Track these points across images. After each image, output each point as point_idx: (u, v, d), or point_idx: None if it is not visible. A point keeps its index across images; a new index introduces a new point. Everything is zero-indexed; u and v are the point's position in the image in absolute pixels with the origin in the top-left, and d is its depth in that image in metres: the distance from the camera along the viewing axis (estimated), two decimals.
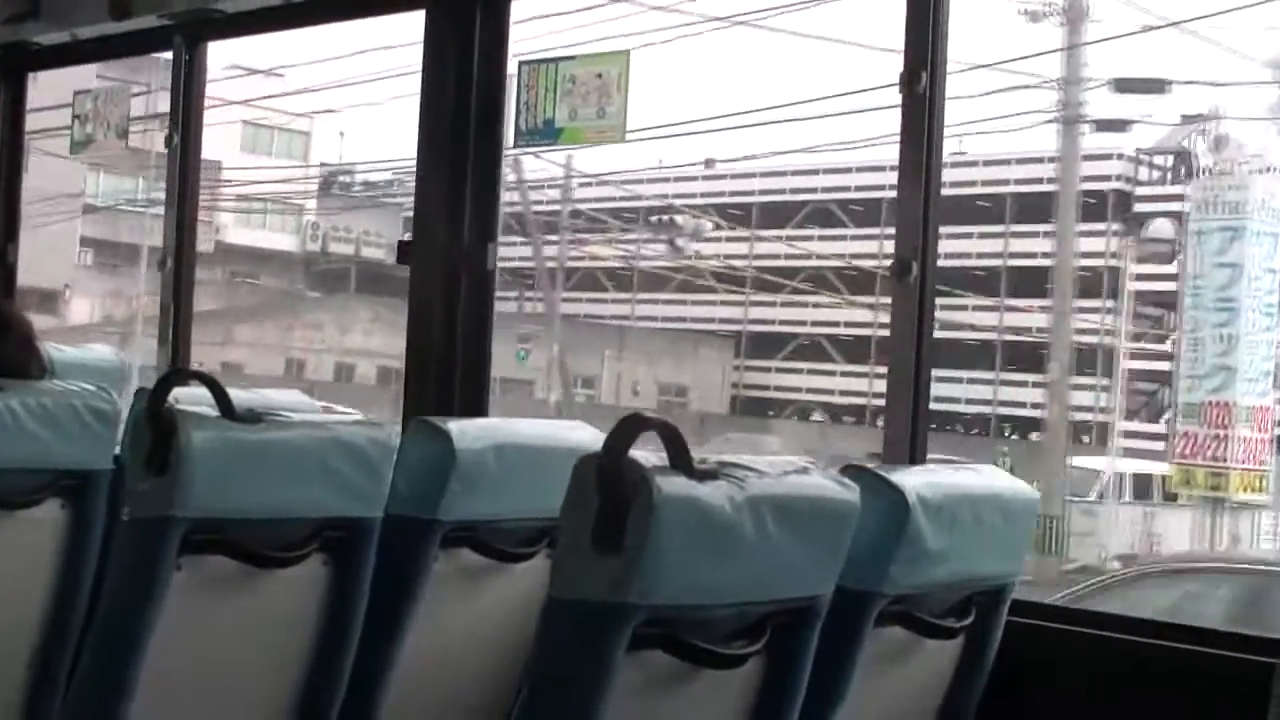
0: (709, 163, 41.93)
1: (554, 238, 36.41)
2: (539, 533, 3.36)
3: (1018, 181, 38.97)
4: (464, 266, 4.32)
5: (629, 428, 2.34)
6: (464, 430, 3.35)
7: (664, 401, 38.22)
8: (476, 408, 4.27)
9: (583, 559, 2.31)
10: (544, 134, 4.29)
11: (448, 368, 4.30)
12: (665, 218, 37.04)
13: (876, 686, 2.84)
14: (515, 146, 4.45)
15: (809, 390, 42.58)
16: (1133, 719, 3.14)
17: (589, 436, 3.42)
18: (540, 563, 3.36)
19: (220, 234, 44.90)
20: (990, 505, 2.96)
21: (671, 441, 2.37)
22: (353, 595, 3.18)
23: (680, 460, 2.36)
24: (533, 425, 3.68)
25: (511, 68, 4.37)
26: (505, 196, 4.21)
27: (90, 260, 43.02)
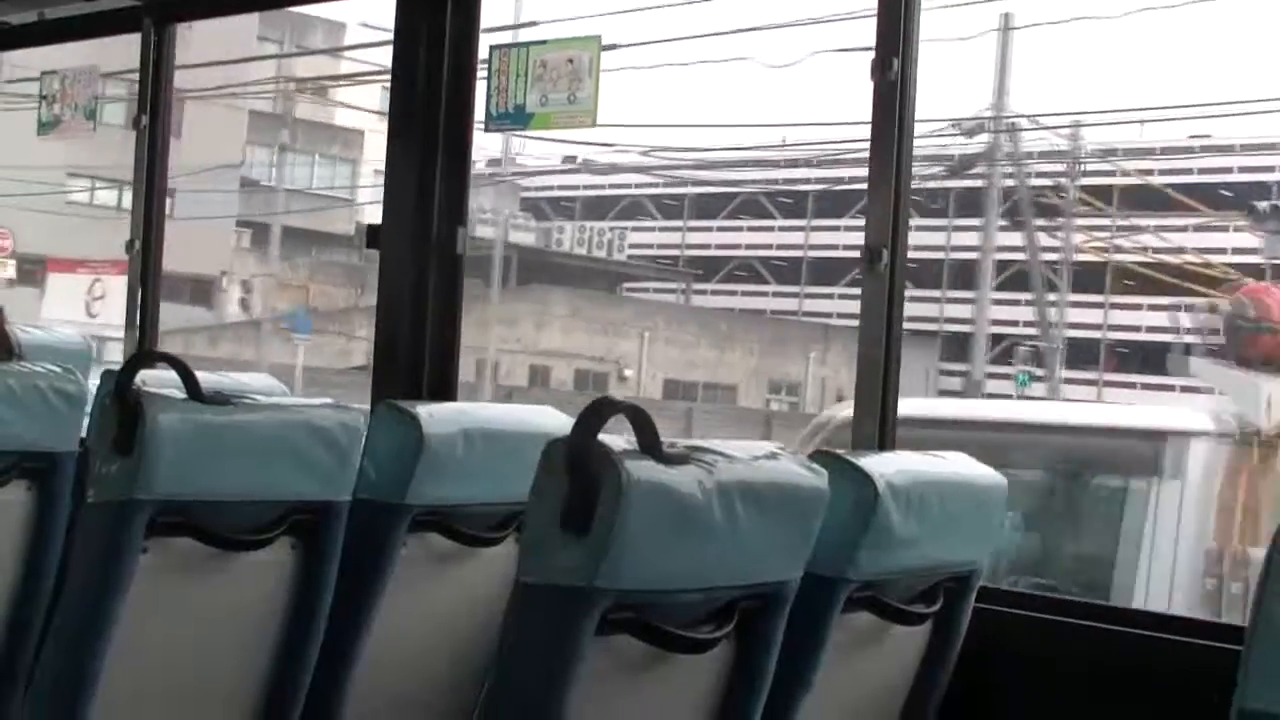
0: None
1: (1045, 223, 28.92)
2: (507, 517, 3.36)
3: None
4: (433, 251, 4.31)
5: (598, 411, 2.33)
6: (432, 414, 3.34)
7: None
8: (444, 392, 4.26)
9: (551, 543, 2.31)
10: (515, 119, 4.28)
11: (416, 352, 4.28)
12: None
13: (844, 672, 2.84)
14: (486, 131, 4.44)
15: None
16: (1098, 705, 3.15)
17: (557, 422, 3.42)
18: (508, 547, 3.36)
19: (359, 214, 39.60)
20: (959, 492, 2.97)
21: (641, 426, 2.37)
22: (320, 579, 3.17)
23: (650, 444, 2.36)
24: (501, 410, 3.68)
25: (483, 52, 4.36)
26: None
27: (248, 243, 37.83)
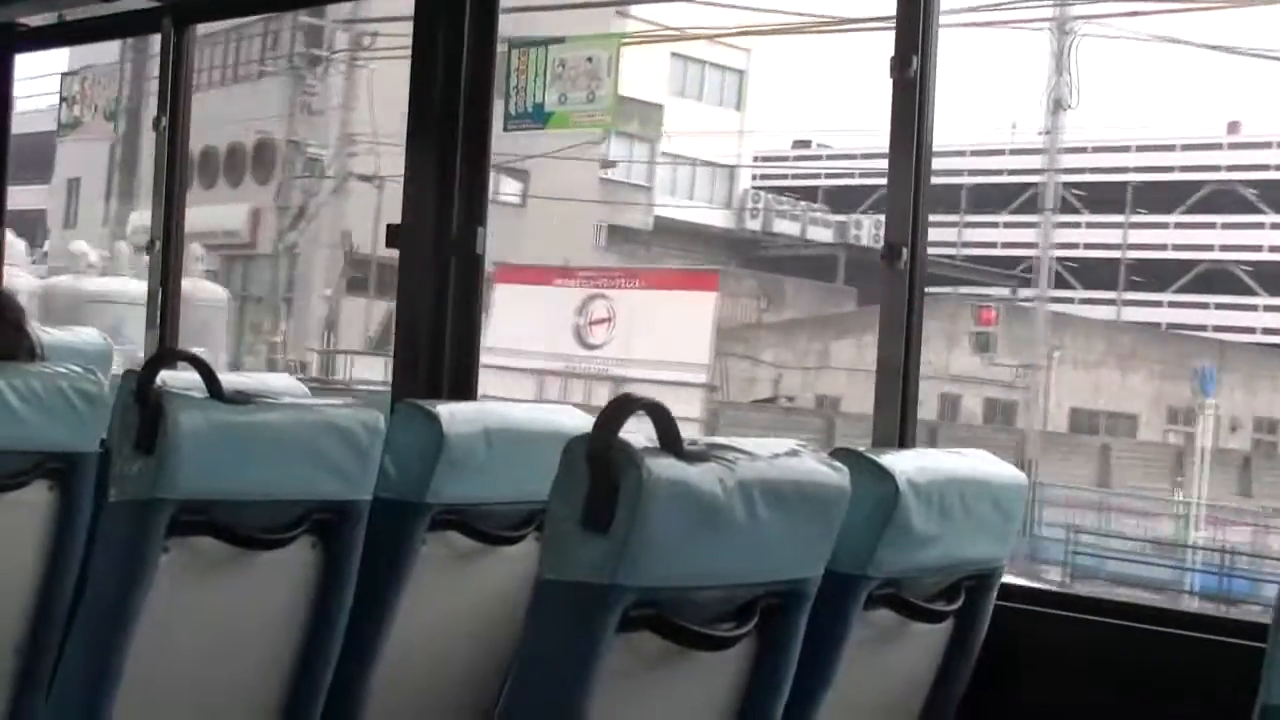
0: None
1: None
2: (528, 516, 3.36)
3: None
4: (453, 250, 4.32)
5: (619, 408, 2.34)
6: (453, 413, 3.34)
7: (1256, 440, 29.69)
8: (465, 391, 4.27)
9: (572, 540, 2.31)
10: (533, 117, 4.29)
11: (437, 351, 4.29)
12: None
13: (866, 669, 2.84)
14: (505, 130, 4.44)
15: None
16: (1120, 703, 3.15)
17: (578, 420, 3.42)
18: (528, 546, 3.36)
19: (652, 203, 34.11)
20: (979, 490, 2.97)
21: (661, 423, 2.37)
22: (341, 578, 3.17)
23: (670, 442, 2.36)
24: (522, 409, 3.68)
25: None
26: None
27: (604, 241, 32.07)
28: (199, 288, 22.77)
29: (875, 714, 3.00)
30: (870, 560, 2.75)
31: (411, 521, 3.27)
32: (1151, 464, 26.01)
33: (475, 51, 4.31)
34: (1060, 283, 35.59)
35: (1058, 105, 25.49)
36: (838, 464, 2.62)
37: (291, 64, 29.13)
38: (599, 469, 2.30)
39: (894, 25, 3.55)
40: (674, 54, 33.44)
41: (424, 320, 4.31)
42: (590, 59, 4.16)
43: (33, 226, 32.00)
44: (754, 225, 36.06)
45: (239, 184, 31.70)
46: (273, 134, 29.79)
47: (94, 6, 5.13)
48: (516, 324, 21.63)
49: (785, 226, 36.12)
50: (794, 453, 2.56)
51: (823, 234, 35.32)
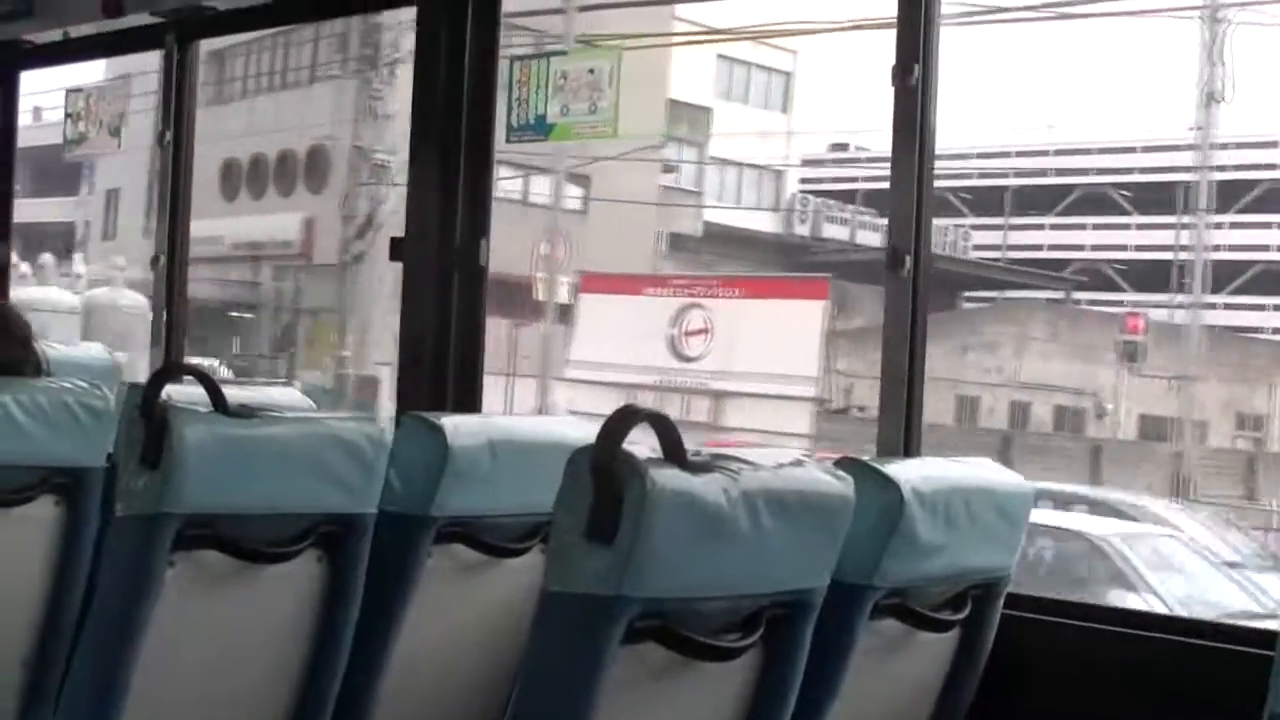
0: None
1: None
2: (533, 528, 3.36)
3: None
4: (456, 262, 4.32)
5: (623, 420, 2.34)
6: (457, 426, 3.34)
7: None
8: (469, 403, 4.27)
9: (577, 552, 2.31)
10: (536, 130, 4.30)
11: (440, 364, 4.29)
12: None
13: (872, 679, 2.84)
14: (507, 143, 4.45)
15: None
16: (1128, 712, 3.14)
17: (582, 432, 3.42)
18: (534, 558, 3.36)
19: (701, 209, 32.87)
20: (985, 498, 2.96)
21: (665, 434, 2.37)
22: (347, 591, 3.17)
23: (674, 453, 2.36)
24: (526, 421, 3.68)
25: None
26: None
27: (665, 248, 30.74)
28: (123, 295, 22.93)
29: None
30: (876, 570, 2.75)
31: (417, 534, 3.27)
32: (1224, 471, 25.10)
33: (477, 63, 4.32)
34: (1111, 285, 35.02)
35: (1210, 99, 24.58)
36: (842, 474, 2.62)
37: (345, 67, 28.53)
38: (603, 480, 2.30)
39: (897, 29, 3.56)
40: (720, 55, 32.75)
41: (428, 332, 4.31)
42: (592, 70, 4.16)
43: (58, 241, 31.63)
44: (802, 230, 35.03)
45: (290, 193, 30.95)
46: (325, 140, 29.24)
47: (98, 23, 5.14)
48: (604, 336, 20.65)
49: (834, 231, 35.11)
50: (798, 463, 2.56)
51: (871, 238, 34.57)
